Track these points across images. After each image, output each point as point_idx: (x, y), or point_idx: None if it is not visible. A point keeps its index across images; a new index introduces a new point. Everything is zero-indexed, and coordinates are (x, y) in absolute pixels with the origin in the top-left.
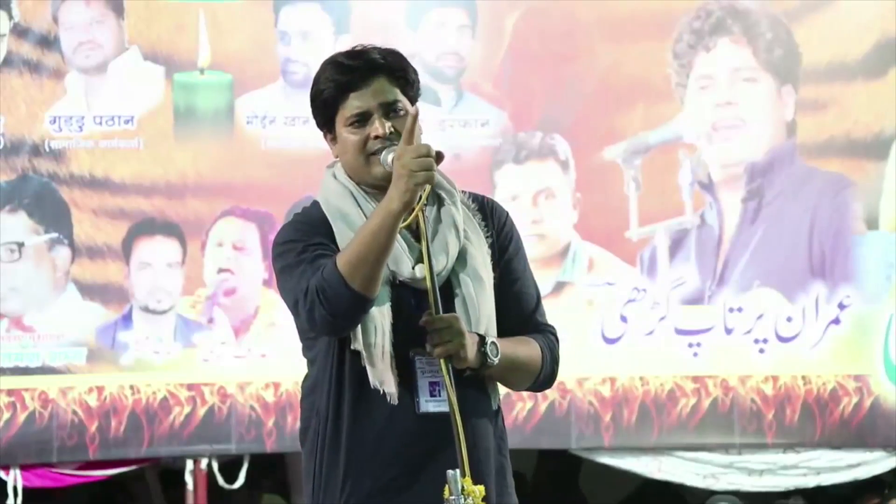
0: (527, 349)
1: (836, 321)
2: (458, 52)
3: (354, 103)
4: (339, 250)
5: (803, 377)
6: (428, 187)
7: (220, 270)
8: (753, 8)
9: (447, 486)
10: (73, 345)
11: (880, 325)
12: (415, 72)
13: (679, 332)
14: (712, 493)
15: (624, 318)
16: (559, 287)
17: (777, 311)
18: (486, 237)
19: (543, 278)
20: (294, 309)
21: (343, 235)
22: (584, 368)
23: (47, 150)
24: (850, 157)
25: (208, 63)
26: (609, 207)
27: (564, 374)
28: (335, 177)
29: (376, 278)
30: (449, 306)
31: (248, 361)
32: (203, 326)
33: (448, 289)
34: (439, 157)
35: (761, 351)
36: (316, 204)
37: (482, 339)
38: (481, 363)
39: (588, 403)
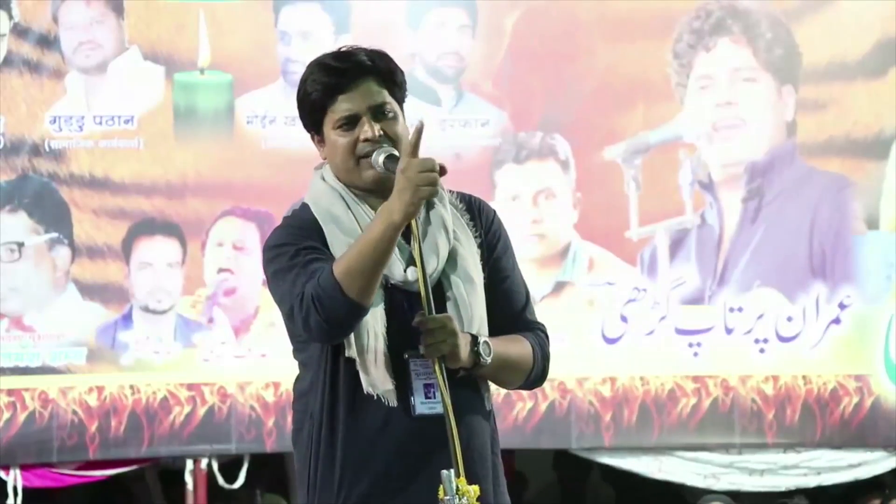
0: (518, 348)
1: (837, 321)
2: (458, 52)
3: (343, 106)
4: (330, 253)
5: (804, 377)
6: None
7: (220, 270)
8: (753, 8)
9: (442, 486)
10: (73, 345)
11: (881, 325)
12: (402, 73)
13: (679, 331)
14: (713, 493)
15: (624, 318)
16: (559, 287)
17: (777, 311)
18: (475, 237)
19: (543, 278)
20: (289, 314)
21: (334, 238)
22: (585, 368)
23: (47, 150)
24: (850, 157)
25: (208, 63)
26: (609, 207)
27: (564, 373)
28: (323, 178)
29: (373, 287)
30: (441, 308)
31: (248, 361)
32: (203, 326)
33: (439, 291)
34: (443, 170)
35: (762, 351)
36: (305, 206)
37: (475, 339)
38: (474, 363)
39: (588, 403)
